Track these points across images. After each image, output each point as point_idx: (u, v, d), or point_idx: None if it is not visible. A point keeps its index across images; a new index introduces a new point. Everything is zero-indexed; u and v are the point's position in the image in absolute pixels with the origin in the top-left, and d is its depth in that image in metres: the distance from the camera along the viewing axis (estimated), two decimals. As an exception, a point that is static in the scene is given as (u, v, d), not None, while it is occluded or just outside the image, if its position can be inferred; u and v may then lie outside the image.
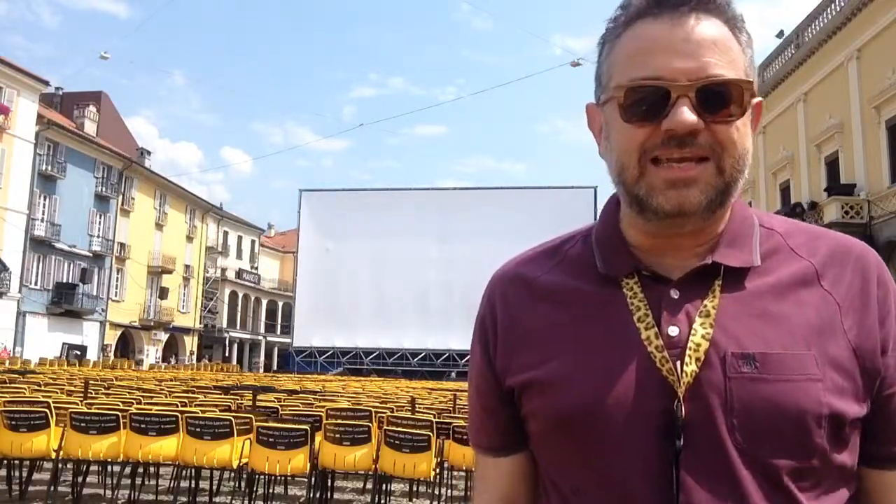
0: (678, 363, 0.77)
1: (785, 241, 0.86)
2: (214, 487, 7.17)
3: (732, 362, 0.76)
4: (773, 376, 0.76)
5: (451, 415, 8.43)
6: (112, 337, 40.09)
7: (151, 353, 42.59)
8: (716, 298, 0.80)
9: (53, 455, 6.23)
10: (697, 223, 0.80)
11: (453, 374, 39.40)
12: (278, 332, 57.33)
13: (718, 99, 0.77)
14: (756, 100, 0.83)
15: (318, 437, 6.35)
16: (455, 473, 7.46)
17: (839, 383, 0.77)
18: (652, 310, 0.81)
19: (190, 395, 10.07)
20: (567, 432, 0.81)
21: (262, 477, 6.66)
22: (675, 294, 0.82)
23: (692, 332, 0.78)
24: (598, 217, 0.93)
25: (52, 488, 6.36)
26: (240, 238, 59.25)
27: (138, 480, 6.99)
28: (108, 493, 6.90)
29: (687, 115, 0.76)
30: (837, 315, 0.80)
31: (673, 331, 0.79)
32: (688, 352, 0.77)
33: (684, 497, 0.74)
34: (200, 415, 6.46)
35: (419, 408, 8.85)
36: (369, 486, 7.37)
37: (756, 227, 0.86)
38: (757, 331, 0.78)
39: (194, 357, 46.48)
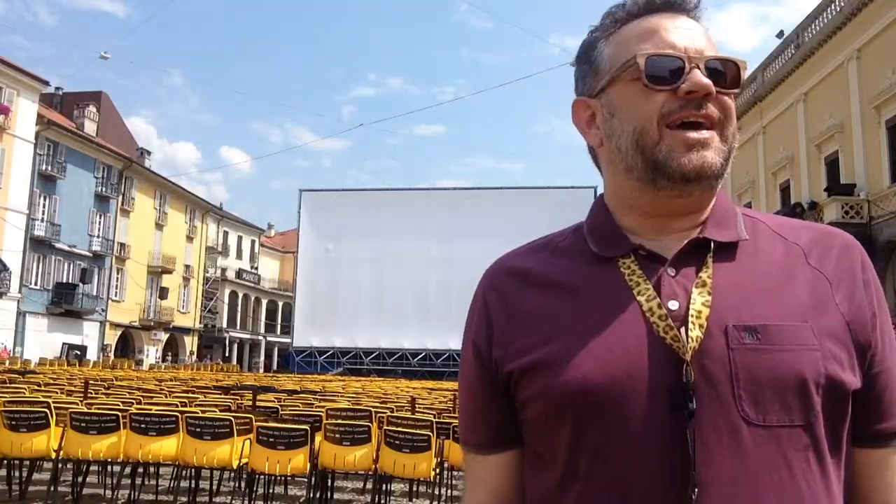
0: (682, 330, 0.79)
1: (768, 227, 0.90)
2: (214, 487, 7.17)
3: (734, 333, 0.79)
4: (774, 346, 0.78)
5: (451, 415, 8.43)
6: (112, 337, 40.08)
7: (151, 353, 42.58)
8: (709, 269, 0.84)
9: (53, 455, 6.23)
10: (706, 191, 0.85)
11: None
12: (278, 332, 57.31)
13: (722, 73, 0.85)
14: None
15: (318, 437, 6.35)
16: (455, 473, 7.45)
17: (835, 352, 0.80)
18: (651, 284, 0.84)
19: (190, 395, 10.07)
20: (572, 412, 0.80)
21: (262, 477, 6.66)
22: (671, 271, 0.85)
23: (691, 301, 0.81)
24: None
25: (52, 488, 6.36)
26: (240, 238, 59.23)
27: (138, 480, 6.98)
28: (108, 493, 6.90)
29: (702, 77, 0.83)
30: (829, 291, 0.83)
31: (673, 304, 0.82)
32: (690, 319, 0.80)
33: (699, 459, 0.75)
34: (200, 415, 6.45)
35: (419, 408, 8.84)
36: (369, 486, 7.37)
37: (739, 213, 0.91)
38: (753, 303, 0.81)
39: (194, 357, 46.46)
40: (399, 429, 6.42)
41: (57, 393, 9.39)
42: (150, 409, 6.70)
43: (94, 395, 9.23)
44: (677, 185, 0.83)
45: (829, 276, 0.84)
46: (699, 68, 0.84)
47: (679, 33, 0.86)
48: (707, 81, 0.83)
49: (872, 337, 0.83)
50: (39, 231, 34.47)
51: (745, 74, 0.88)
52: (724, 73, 0.85)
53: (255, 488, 6.83)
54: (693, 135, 0.83)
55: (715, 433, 0.76)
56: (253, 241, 61.22)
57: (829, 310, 0.82)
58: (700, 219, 0.88)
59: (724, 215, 0.89)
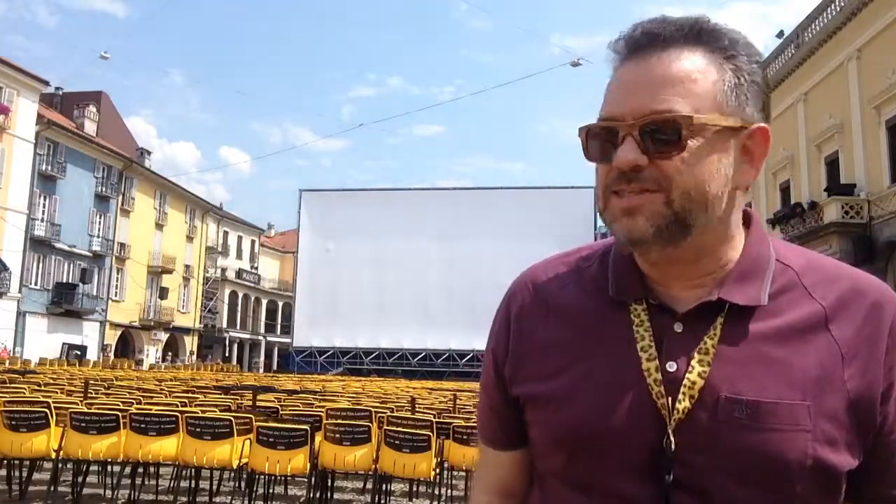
0: (670, 399, 0.79)
1: (799, 279, 0.84)
2: (214, 487, 7.17)
3: (725, 405, 0.78)
4: (763, 424, 0.77)
5: (451, 415, 8.44)
6: (112, 337, 40.08)
7: (151, 353, 42.59)
8: (716, 337, 0.81)
9: (53, 455, 6.23)
10: (659, 252, 0.81)
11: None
12: (278, 332, 57.32)
13: (660, 135, 0.78)
14: (755, 126, 0.82)
15: (318, 437, 6.35)
16: (455, 473, 7.46)
17: (831, 435, 0.78)
18: (655, 340, 0.83)
19: (190, 395, 10.07)
20: (563, 448, 0.85)
21: (262, 477, 6.66)
22: (678, 328, 0.83)
23: (689, 368, 0.80)
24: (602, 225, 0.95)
25: (52, 488, 6.37)
26: (240, 238, 59.24)
27: (138, 480, 6.98)
28: (108, 493, 6.90)
29: (627, 152, 0.79)
30: (839, 365, 0.79)
31: (671, 366, 0.81)
32: (682, 388, 0.79)
33: None
34: (200, 415, 6.45)
35: (419, 408, 8.84)
36: (369, 486, 7.37)
37: (771, 263, 0.85)
38: (753, 375, 0.79)
39: (194, 357, 46.47)
40: (399, 429, 6.42)
41: (57, 393, 9.39)
42: (150, 409, 6.70)
43: (94, 395, 9.23)
44: (625, 247, 0.83)
45: (845, 348, 0.80)
46: (633, 136, 0.79)
47: (629, 90, 0.80)
48: (629, 157, 0.78)
49: (882, 410, 0.80)
50: (39, 231, 34.47)
51: (721, 128, 0.80)
52: (665, 132, 0.78)
53: (255, 488, 6.83)
54: (622, 203, 0.80)
55: (690, 497, 0.77)
56: (253, 241, 61.23)
57: (834, 388, 0.78)
58: (714, 267, 0.84)
59: (751, 266, 0.84)
